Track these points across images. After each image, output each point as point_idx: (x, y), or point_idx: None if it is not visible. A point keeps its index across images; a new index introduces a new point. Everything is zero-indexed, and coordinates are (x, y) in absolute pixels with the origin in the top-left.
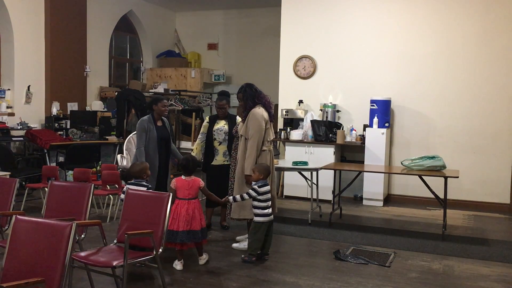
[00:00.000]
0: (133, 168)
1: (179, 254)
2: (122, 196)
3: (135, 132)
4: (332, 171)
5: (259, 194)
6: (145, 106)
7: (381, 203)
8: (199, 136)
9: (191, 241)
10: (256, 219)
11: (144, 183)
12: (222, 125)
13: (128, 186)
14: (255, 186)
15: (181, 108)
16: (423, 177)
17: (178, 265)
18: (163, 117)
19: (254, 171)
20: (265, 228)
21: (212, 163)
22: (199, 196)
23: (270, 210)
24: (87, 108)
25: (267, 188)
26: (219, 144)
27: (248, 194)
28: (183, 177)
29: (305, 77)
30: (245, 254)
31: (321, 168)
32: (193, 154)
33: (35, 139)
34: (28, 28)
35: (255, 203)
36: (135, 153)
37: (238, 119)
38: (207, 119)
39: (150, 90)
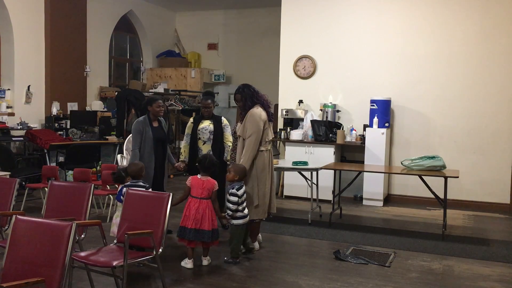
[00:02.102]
0: (130, 168)
1: (190, 252)
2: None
3: None
4: (332, 171)
5: (240, 197)
6: (142, 107)
7: (381, 203)
8: (185, 138)
9: (199, 240)
10: (235, 222)
11: (141, 183)
12: (207, 124)
13: (124, 187)
14: (233, 190)
15: (181, 108)
16: (423, 177)
17: (188, 263)
18: (159, 118)
19: (230, 170)
20: (244, 229)
21: (196, 164)
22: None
23: (246, 211)
24: (87, 108)
25: (244, 190)
26: (203, 144)
27: (230, 202)
28: (199, 176)
29: (305, 77)
30: (228, 256)
31: (321, 168)
32: (181, 157)
33: (35, 139)
34: (28, 28)
35: (236, 206)
36: (131, 154)
37: (224, 120)
38: (191, 119)
39: (150, 90)
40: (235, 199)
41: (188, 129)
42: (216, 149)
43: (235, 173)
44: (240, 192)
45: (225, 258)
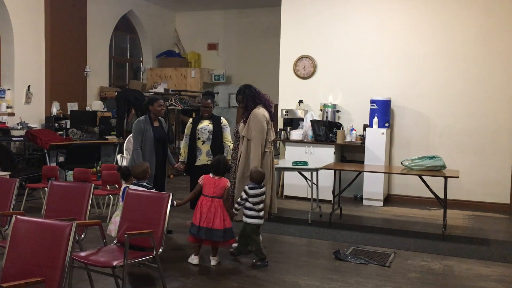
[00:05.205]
0: (135, 170)
1: (197, 249)
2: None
3: None
4: (332, 171)
5: (250, 196)
6: (143, 107)
7: (381, 203)
8: (184, 138)
9: (210, 239)
10: (246, 219)
11: (145, 183)
12: (206, 124)
13: (130, 186)
14: (246, 187)
15: (181, 108)
16: (423, 177)
17: (194, 259)
18: (160, 118)
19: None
20: (255, 229)
21: (195, 164)
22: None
23: (261, 214)
24: (87, 108)
25: (255, 191)
26: (203, 144)
27: (240, 198)
28: (211, 175)
29: (305, 77)
30: (256, 259)
31: (321, 168)
32: (181, 158)
33: (35, 139)
34: (28, 28)
35: (247, 204)
36: (131, 154)
37: (223, 120)
38: (190, 120)
39: (150, 90)
40: (244, 195)
41: (187, 130)
42: (216, 149)
43: (252, 177)
44: (251, 192)
45: (253, 261)
